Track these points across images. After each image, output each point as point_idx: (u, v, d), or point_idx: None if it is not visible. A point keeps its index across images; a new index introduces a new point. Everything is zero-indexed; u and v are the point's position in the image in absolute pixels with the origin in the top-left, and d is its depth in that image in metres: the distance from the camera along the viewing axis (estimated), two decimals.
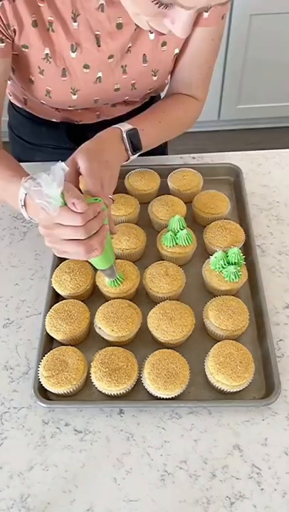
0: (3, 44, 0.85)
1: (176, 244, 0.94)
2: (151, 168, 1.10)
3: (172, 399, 0.79)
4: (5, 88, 0.93)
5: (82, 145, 0.86)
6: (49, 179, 0.66)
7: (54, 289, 0.91)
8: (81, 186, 0.85)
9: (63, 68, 0.91)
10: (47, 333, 0.86)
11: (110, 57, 0.92)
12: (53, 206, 0.68)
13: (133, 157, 0.95)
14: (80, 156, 0.82)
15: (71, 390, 0.79)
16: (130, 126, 0.92)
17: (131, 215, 1.02)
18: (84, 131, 1.08)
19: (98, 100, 1.01)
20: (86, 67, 0.92)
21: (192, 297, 0.92)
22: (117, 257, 0.92)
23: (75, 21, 0.86)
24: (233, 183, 1.12)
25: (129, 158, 0.94)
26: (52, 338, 0.87)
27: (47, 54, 0.89)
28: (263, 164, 1.17)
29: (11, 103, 1.18)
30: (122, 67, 0.95)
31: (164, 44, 0.94)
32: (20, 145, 1.23)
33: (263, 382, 0.82)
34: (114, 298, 0.89)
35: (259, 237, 1.02)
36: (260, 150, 1.21)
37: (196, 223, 1.05)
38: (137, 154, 0.95)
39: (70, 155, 0.85)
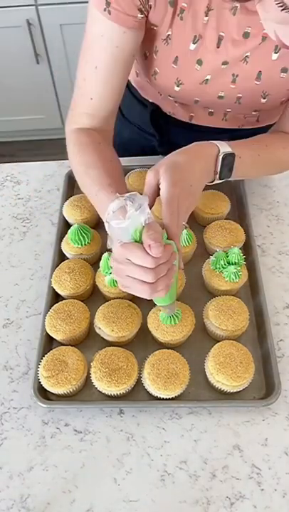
0: (142, 16, 0.81)
1: None
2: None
3: (172, 399, 0.79)
4: (133, 63, 0.89)
5: (171, 155, 0.79)
6: (136, 215, 0.63)
7: (54, 289, 0.91)
8: (156, 208, 0.80)
9: (176, 56, 0.87)
10: (47, 333, 0.86)
11: (225, 63, 0.86)
12: (127, 238, 0.66)
13: (217, 182, 0.86)
14: (165, 174, 0.74)
15: (71, 390, 0.79)
16: (229, 150, 0.82)
17: None
18: (169, 124, 1.05)
19: (199, 102, 0.96)
20: (199, 63, 0.87)
21: (192, 297, 0.91)
22: None
23: (206, 15, 0.81)
24: (234, 182, 1.12)
25: (213, 181, 0.85)
26: (52, 338, 0.87)
27: (168, 35, 0.85)
28: None
29: None
30: (232, 75, 0.88)
31: (284, 70, 0.86)
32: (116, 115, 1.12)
33: (263, 383, 0.82)
34: (114, 298, 0.89)
35: (259, 237, 1.02)
36: None
37: (196, 223, 1.05)
38: (222, 181, 0.86)
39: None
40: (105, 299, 0.91)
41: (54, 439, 0.78)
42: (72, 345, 0.84)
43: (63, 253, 0.98)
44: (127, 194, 0.65)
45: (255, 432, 0.77)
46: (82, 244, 0.95)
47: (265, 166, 0.94)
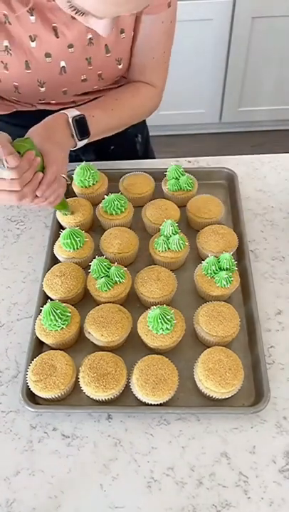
0: None
1: (169, 248, 0.94)
2: (145, 172, 1.10)
3: (161, 405, 0.78)
4: None
5: (30, 130, 0.89)
6: None
7: (45, 293, 0.91)
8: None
9: (26, 60, 0.92)
10: (37, 336, 0.86)
11: (70, 46, 0.92)
12: None
13: (81, 143, 0.96)
14: (35, 139, 0.84)
15: (59, 394, 0.79)
16: (78, 113, 0.94)
17: (125, 219, 1.02)
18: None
19: (67, 91, 1.01)
20: (48, 55, 0.92)
21: (183, 302, 0.91)
22: (110, 261, 0.92)
23: (31, 15, 0.87)
24: (228, 187, 1.12)
25: (76, 145, 0.95)
26: (42, 342, 0.87)
27: (6, 46, 0.89)
28: (258, 169, 1.17)
29: None
30: (86, 59, 0.95)
31: (122, 31, 0.94)
32: None
33: (252, 389, 0.81)
34: (105, 302, 0.88)
35: (253, 242, 1.02)
36: (260, 154, 1.20)
37: (190, 228, 1.04)
38: (85, 141, 0.96)
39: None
40: (96, 303, 0.90)
41: (41, 443, 0.78)
42: (62, 349, 0.84)
43: (56, 256, 0.98)
44: None
45: (243, 439, 0.77)
46: (74, 248, 0.94)
47: (121, 118, 1.03)
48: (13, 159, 0.76)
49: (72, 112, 0.94)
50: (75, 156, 1.13)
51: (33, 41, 0.90)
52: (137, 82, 1.05)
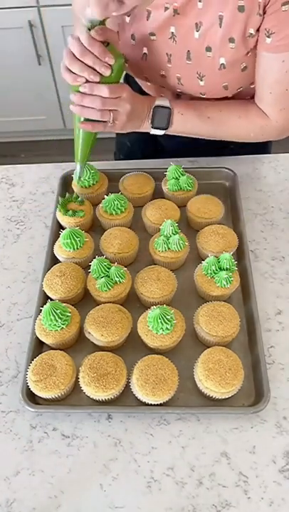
0: None
1: (169, 248, 0.94)
2: (145, 172, 1.10)
3: (161, 405, 0.78)
4: None
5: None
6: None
7: (45, 293, 0.91)
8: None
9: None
10: (37, 336, 0.86)
11: (152, 34, 0.93)
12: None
13: (155, 131, 0.98)
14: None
15: (59, 394, 0.79)
16: (166, 104, 0.95)
17: (125, 219, 1.02)
18: None
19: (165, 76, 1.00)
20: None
21: (183, 302, 0.91)
22: (110, 261, 0.92)
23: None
24: (228, 187, 1.12)
25: (151, 130, 0.98)
26: (42, 342, 0.87)
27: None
28: (258, 169, 1.17)
29: None
30: (166, 54, 0.94)
31: (208, 49, 0.90)
32: None
33: (252, 389, 0.81)
34: (105, 302, 0.88)
35: (253, 242, 1.02)
36: (260, 154, 1.20)
37: (190, 228, 1.04)
38: (160, 131, 0.98)
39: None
40: (96, 303, 0.90)
41: (41, 443, 0.78)
42: (62, 349, 0.84)
43: (56, 256, 0.98)
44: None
45: (243, 439, 0.77)
46: (74, 248, 0.94)
47: (215, 131, 1.01)
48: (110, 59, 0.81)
49: (162, 102, 0.95)
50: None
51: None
52: (253, 105, 0.99)
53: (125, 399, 0.81)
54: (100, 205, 1.03)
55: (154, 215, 1.01)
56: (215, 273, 0.89)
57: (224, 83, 0.95)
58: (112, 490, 0.73)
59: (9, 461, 0.76)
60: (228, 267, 0.89)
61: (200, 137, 1.03)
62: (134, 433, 0.78)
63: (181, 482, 0.73)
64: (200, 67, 0.93)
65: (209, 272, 0.89)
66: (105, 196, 1.02)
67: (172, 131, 0.98)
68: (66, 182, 1.12)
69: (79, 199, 1.01)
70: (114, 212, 1.01)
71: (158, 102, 0.95)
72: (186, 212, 1.03)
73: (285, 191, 1.12)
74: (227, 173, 1.12)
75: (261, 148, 1.19)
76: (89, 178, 1.05)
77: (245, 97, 1.01)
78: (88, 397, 0.80)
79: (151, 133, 0.98)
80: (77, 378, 0.81)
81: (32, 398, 0.81)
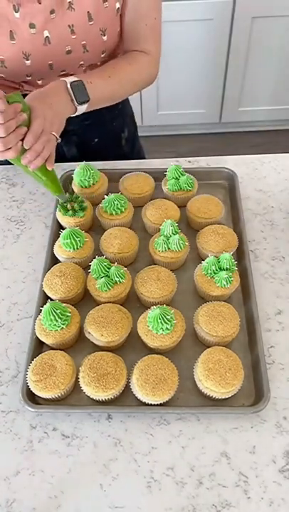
0: None
1: (169, 248, 0.94)
2: (145, 172, 1.10)
3: (161, 405, 0.78)
4: None
5: (29, 94, 0.92)
6: None
7: (45, 293, 0.91)
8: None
9: (10, 30, 0.93)
10: (37, 336, 0.86)
11: (52, 12, 0.94)
12: None
13: (81, 108, 0.97)
14: (27, 99, 0.89)
15: (59, 394, 0.79)
16: (75, 78, 0.96)
17: (125, 219, 1.02)
18: None
19: (53, 65, 1.02)
20: (32, 26, 0.94)
21: (183, 302, 0.91)
22: (110, 261, 0.92)
23: None
24: (228, 187, 1.12)
25: (76, 110, 0.97)
26: (42, 342, 0.87)
27: None
28: (258, 169, 1.17)
29: None
30: (69, 27, 0.97)
31: (104, 0, 0.96)
32: None
33: (252, 389, 0.81)
34: (105, 302, 0.88)
35: (253, 242, 1.02)
36: (259, 154, 1.20)
37: (190, 228, 1.04)
38: (85, 106, 0.98)
39: None
40: (96, 303, 0.90)
41: (41, 443, 0.78)
42: (62, 349, 0.84)
43: (56, 256, 0.98)
44: None
45: (243, 439, 0.77)
46: (74, 248, 0.94)
47: (119, 84, 1.05)
48: (0, 101, 0.79)
49: (70, 79, 0.96)
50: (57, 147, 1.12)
51: (16, 11, 0.92)
52: (133, 52, 1.07)
53: (125, 399, 0.81)
54: (100, 205, 1.03)
55: (154, 215, 1.01)
56: (215, 273, 0.89)
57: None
58: (112, 490, 0.73)
59: (9, 461, 0.76)
60: (228, 267, 0.89)
61: (112, 102, 1.07)
62: (134, 433, 0.78)
63: (181, 482, 0.73)
64: (101, 23, 0.99)
65: (209, 272, 0.89)
66: (105, 196, 1.02)
67: (92, 102, 0.99)
68: (65, 183, 1.11)
69: (79, 199, 1.01)
70: (114, 212, 1.01)
71: (68, 80, 0.96)
72: (186, 212, 1.03)
73: (285, 191, 1.12)
74: (227, 173, 1.12)
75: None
76: (89, 178, 1.05)
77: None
78: (88, 397, 0.80)
79: (78, 112, 0.98)
80: (77, 378, 0.81)
81: (32, 398, 0.81)
